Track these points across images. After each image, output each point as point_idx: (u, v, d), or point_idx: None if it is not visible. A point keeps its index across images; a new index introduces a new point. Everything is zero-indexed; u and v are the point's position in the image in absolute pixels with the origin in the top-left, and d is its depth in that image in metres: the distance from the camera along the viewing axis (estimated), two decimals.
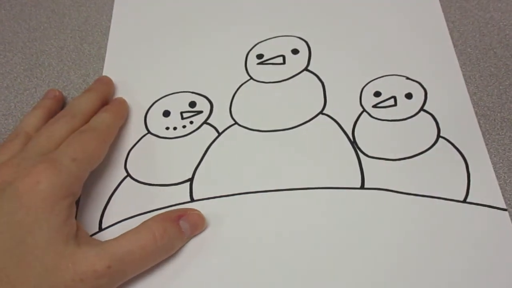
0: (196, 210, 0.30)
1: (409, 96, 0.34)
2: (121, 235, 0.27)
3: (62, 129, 0.31)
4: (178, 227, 0.28)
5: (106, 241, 0.27)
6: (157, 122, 0.35)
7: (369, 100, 0.34)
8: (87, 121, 0.32)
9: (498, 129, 0.32)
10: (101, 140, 0.31)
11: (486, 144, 0.32)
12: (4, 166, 0.28)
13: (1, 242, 0.25)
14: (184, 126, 0.35)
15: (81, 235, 0.27)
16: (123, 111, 0.35)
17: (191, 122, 0.35)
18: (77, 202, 0.32)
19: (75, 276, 0.25)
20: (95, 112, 0.33)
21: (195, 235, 0.29)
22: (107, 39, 0.41)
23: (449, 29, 0.38)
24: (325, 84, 0.36)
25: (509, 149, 0.32)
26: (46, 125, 0.32)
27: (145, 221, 0.28)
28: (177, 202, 0.31)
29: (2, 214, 0.26)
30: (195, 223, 0.29)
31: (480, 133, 0.32)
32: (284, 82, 0.36)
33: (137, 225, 0.28)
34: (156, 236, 0.27)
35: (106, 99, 0.35)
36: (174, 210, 0.30)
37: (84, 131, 0.31)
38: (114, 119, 0.33)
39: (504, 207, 0.29)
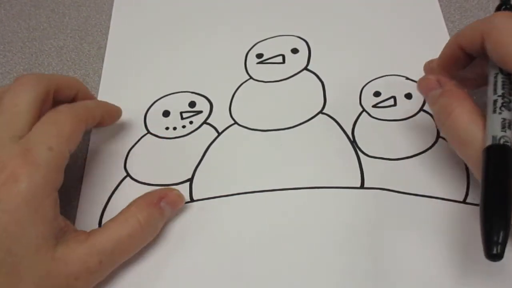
0: (175, 189, 0.30)
1: (409, 96, 0.34)
2: (107, 225, 0.27)
3: (26, 96, 0.27)
4: (160, 210, 0.29)
5: (94, 233, 0.27)
6: (156, 122, 0.35)
7: (369, 100, 0.34)
8: (54, 92, 0.30)
9: None
10: (77, 119, 0.28)
11: None
12: None
13: None
14: (183, 126, 0.35)
15: (68, 231, 0.26)
16: (111, 109, 0.33)
17: (191, 122, 0.35)
18: (77, 202, 0.32)
19: (70, 276, 0.25)
20: (65, 84, 0.31)
21: (176, 212, 0.30)
22: (107, 38, 0.41)
23: (448, 29, 0.38)
24: (324, 83, 0.36)
25: None
26: (9, 90, 0.28)
27: (128, 208, 0.28)
28: None
29: None
30: (175, 202, 0.29)
31: None
32: (284, 81, 0.36)
33: None
34: (141, 223, 0.27)
35: (83, 88, 0.33)
36: (155, 192, 0.29)
37: (58, 109, 0.28)
38: (96, 105, 0.31)
39: None
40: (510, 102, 0.25)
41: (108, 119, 0.33)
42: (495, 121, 0.25)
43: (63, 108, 0.28)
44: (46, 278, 0.24)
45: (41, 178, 0.25)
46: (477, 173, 0.25)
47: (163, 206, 0.29)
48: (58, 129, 0.27)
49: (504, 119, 0.25)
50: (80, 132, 0.28)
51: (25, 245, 0.24)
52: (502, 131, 0.24)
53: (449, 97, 0.27)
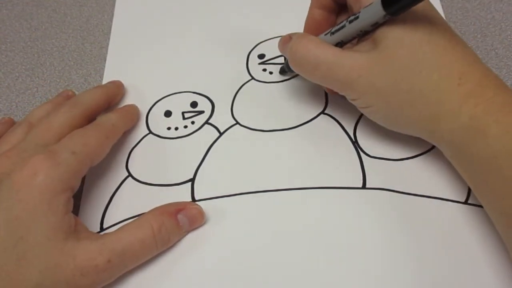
0: (196, 204, 0.30)
1: None
2: (120, 228, 0.28)
3: (61, 118, 0.30)
4: (176, 221, 0.29)
5: (106, 234, 0.27)
6: (158, 122, 0.35)
7: None
8: (88, 113, 0.32)
9: None
10: (103, 136, 0.31)
11: None
12: (2, 157, 0.28)
13: (0, 239, 0.25)
14: (185, 126, 0.35)
15: (80, 229, 0.27)
16: (132, 115, 0.35)
17: (193, 122, 0.35)
18: (79, 202, 0.32)
19: (76, 271, 0.25)
20: (98, 106, 0.33)
21: (194, 229, 0.30)
22: (109, 38, 0.41)
23: None
24: None
25: None
26: (47, 114, 0.32)
27: (144, 215, 0.29)
28: None
29: (0, 209, 0.26)
30: (194, 217, 0.29)
31: None
32: (286, 82, 0.36)
33: None
34: (154, 230, 0.27)
35: (112, 98, 0.35)
36: (174, 203, 0.30)
37: (87, 127, 0.31)
38: (121, 120, 0.33)
39: None
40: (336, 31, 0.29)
41: (130, 125, 0.35)
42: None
43: (90, 126, 0.31)
44: (53, 269, 0.25)
45: (59, 175, 0.27)
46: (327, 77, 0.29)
47: (181, 218, 0.29)
48: (84, 141, 0.29)
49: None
50: (105, 147, 0.31)
51: (36, 234, 0.25)
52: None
53: (297, 38, 0.30)
